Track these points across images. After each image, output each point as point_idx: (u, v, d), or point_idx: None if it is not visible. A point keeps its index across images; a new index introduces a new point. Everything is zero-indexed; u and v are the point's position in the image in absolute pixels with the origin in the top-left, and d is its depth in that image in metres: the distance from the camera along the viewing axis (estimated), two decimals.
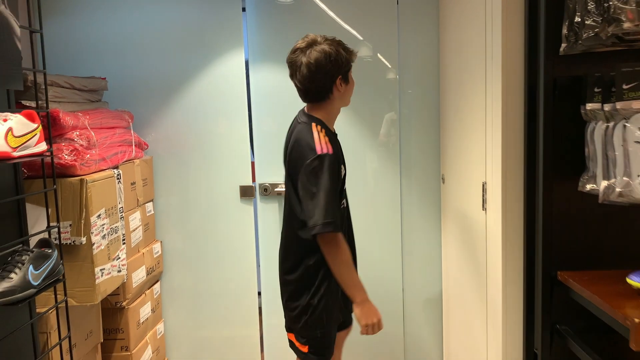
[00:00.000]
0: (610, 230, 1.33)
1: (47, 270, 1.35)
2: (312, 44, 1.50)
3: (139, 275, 2.20)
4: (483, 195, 1.67)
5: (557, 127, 1.31)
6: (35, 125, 1.31)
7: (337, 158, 1.48)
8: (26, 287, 1.26)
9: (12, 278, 1.24)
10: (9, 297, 1.21)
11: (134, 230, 2.17)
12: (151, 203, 2.42)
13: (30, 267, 1.31)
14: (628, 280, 1.14)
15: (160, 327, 2.48)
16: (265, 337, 2.55)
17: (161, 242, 2.49)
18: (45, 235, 1.51)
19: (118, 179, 1.98)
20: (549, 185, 1.32)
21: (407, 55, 2.38)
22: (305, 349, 1.59)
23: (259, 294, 2.57)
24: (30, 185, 1.69)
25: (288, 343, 1.71)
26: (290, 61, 1.53)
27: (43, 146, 1.36)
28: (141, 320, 2.24)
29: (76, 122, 1.77)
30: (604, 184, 1.19)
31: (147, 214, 2.35)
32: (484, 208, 1.67)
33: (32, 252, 1.32)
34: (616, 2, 1.08)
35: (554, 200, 1.33)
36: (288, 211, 1.62)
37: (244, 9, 2.42)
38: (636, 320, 1.00)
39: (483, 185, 1.67)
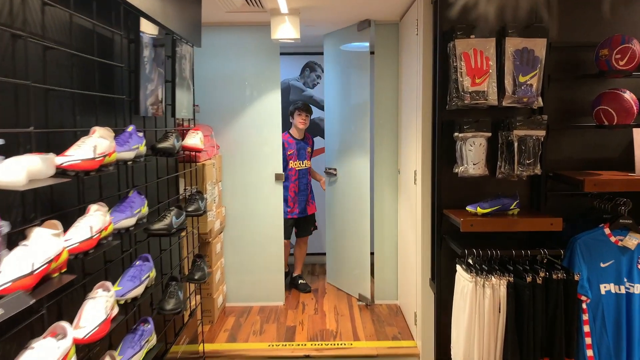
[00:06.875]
0: (465, 190, 2.87)
1: (181, 221, 2.62)
2: None
3: (217, 225, 3.68)
4: (414, 177, 3.22)
5: (444, 143, 2.85)
6: (202, 135, 2.78)
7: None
8: (171, 227, 2.42)
9: (166, 220, 2.55)
10: (167, 230, 2.46)
11: (215, 197, 3.64)
12: (221, 182, 3.90)
13: (174, 217, 2.71)
14: (467, 208, 2.68)
15: (222, 260, 3.95)
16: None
17: (225, 207, 3.97)
18: (187, 194, 2.96)
19: (213, 165, 3.46)
20: (440, 170, 2.86)
21: (380, 93, 3.93)
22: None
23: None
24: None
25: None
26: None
27: (202, 145, 2.83)
28: (216, 252, 3.72)
29: None
30: (460, 168, 2.73)
31: (219, 189, 3.83)
32: (415, 183, 3.22)
33: (175, 209, 2.61)
34: (462, 93, 2.63)
35: (442, 177, 2.86)
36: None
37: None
38: (461, 219, 2.53)
39: (415, 172, 3.22)
